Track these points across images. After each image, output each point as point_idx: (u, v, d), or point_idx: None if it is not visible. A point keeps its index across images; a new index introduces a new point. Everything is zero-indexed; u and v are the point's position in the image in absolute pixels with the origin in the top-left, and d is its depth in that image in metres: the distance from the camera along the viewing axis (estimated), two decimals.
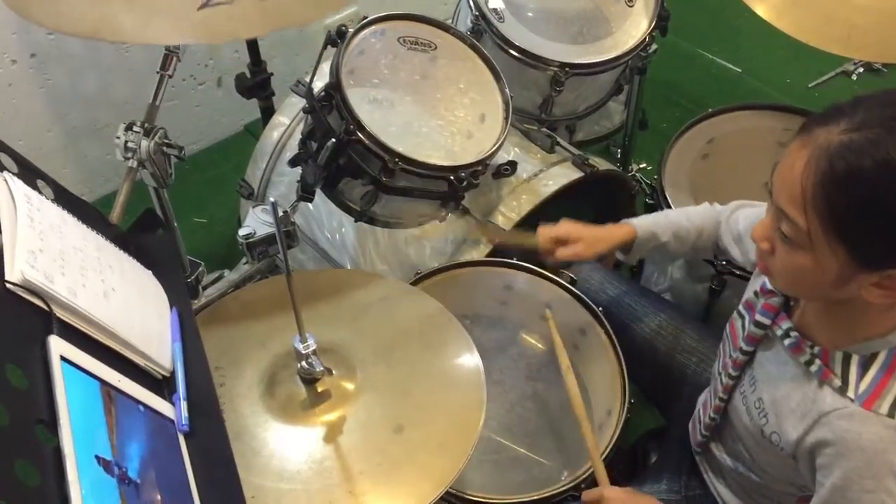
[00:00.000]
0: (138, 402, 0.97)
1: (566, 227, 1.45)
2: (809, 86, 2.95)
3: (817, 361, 1.04)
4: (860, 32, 1.58)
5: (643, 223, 1.44)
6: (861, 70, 2.97)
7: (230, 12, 1.18)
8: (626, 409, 1.40)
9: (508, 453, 1.46)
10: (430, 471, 1.07)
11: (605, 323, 1.50)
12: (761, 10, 1.61)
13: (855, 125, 0.89)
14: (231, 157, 2.60)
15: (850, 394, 1.00)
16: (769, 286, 1.15)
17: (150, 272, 1.17)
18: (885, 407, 0.99)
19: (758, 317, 1.15)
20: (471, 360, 1.21)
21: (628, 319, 1.56)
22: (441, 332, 1.26)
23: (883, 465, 0.98)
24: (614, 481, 1.29)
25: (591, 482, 1.32)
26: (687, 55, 3.02)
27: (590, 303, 1.52)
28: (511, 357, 1.58)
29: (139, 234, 1.23)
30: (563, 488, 1.31)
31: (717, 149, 1.85)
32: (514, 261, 1.60)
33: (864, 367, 1.01)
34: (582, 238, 1.44)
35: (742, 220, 1.36)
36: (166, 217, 1.34)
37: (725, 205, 1.43)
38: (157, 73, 1.29)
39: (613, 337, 1.48)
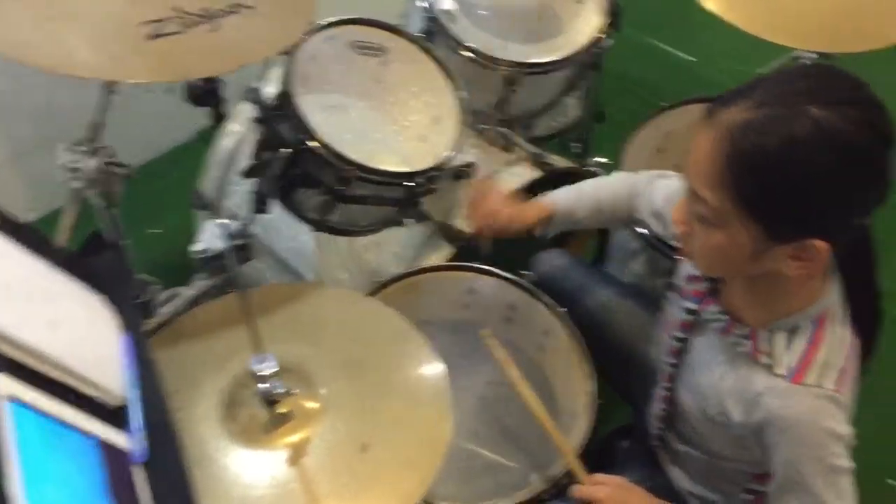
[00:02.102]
0: (92, 436, 0.94)
1: (496, 196, 1.48)
2: (762, 73, 2.97)
3: (746, 342, 1.07)
4: (808, 23, 1.60)
5: (561, 200, 1.46)
6: (814, 55, 2.99)
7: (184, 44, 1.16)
8: (595, 409, 1.39)
9: (476, 460, 1.45)
10: (398, 489, 1.05)
11: (570, 323, 1.49)
12: (710, 4, 1.62)
13: (755, 103, 0.91)
14: (185, 165, 2.53)
15: (779, 370, 1.04)
16: (694, 272, 1.17)
17: (99, 297, 1.14)
18: (812, 378, 1.02)
19: (687, 303, 1.17)
20: (435, 371, 1.19)
21: (593, 306, 1.56)
22: (404, 344, 1.24)
23: (822, 432, 1.01)
24: None
25: (563, 485, 1.31)
26: (640, 46, 3.02)
27: (553, 303, 1.51)
28: (475, 362, 1.56)
29: (87, 256, 1.19)
30: (534, 494, 1.31)
31: (672, 143, 1.85)
32: (476, 264, 1.58)
33: (790, 343, 1.05)
34: (505, 210, 1.46)
35: (658, 194, 1.37)
36: (116, 237, 1.29)
37: (639, 174, 1.45)
38: (102, 87, 1.25)
39: (580, 336, 1.47)
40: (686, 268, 1.22)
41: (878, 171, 0.93)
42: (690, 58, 3.03)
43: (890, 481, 1.86)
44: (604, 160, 2.44)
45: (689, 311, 1.17)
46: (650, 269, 1.70)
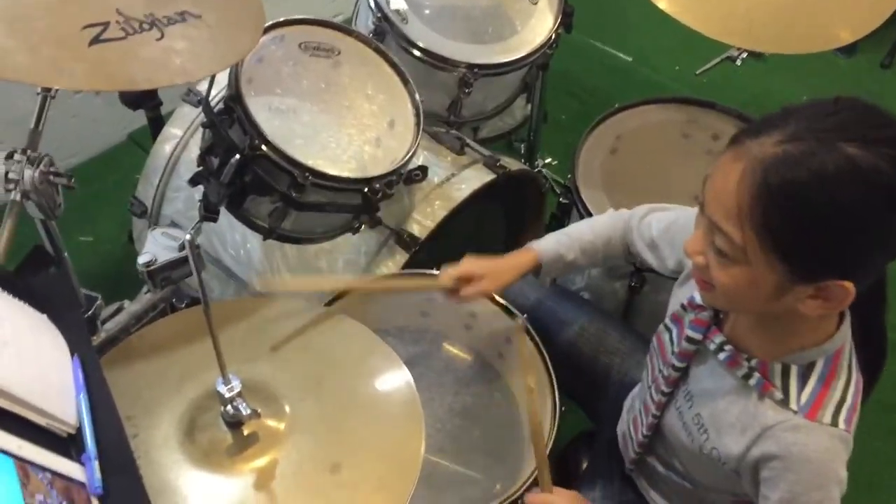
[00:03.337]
0: (43, 468, 0.87)
1: (469, 264, 1.38)
2: (697, 72, 3.01)
3: (756, 374, 1.04)
4: (760, 25, 1.61)
5: (547, 246, 1.40)
6: (745, 55, 3.05)
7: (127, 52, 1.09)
8: (557, 417, 1.37)
9: (441, 472, 1.41)
10: None
11: (531, 330, 1.46)
12: (663, 5, 1.61)
13: (788, 137, 0.88)
14: (116, 169, 2.44)
15: (793, 406, 1.00)
16: (698, 300, 1.13)
17: (44, 316, 1.06)
18: (827, 416, 0.99)
19: (689, 332, 1.13)
20: (404, 384, 1.15)
21: (550, 322, 1.52)
22: (369, 358, 1.20)
23: (829, 474, 0.99)
24: None
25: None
26: (579, 46, 3.03)
27: (514, 310, 1.49)
28: (437, 371, 1.53)
29: (29, 274, 1.11)
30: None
31: (624, 144, 1.84)
32: (434, 271, 1.55)
33: (804, 378, 1.01)
34: (486, 274, 1.37)
35: (655, 226, 1.34)
36: (57, 252, 1.21)
37: (632, 209, 1.41)
38: (38, 94, 1.16)
39: (540, 344, 1.45)
40: (684, 293, 1.18)
41: None
42: (627, 58, 3.05)
43: None
44: (549, 160, 2.45)
45: (691, 341, 1.12)
46: (607, 273, 1.69)
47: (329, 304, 1.47)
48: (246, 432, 1.05)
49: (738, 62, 3.04)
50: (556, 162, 2.45)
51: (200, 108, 1.73)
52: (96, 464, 0.92)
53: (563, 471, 1.54)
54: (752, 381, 1.04)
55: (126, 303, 1.42)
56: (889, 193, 0.86)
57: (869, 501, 1.87)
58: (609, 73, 2.98)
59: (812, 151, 0.86)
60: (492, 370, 1.57)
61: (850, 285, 0.90)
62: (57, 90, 1.17)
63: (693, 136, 1.86)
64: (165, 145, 1.80)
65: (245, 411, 1.01)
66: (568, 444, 1.57)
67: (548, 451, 1.32)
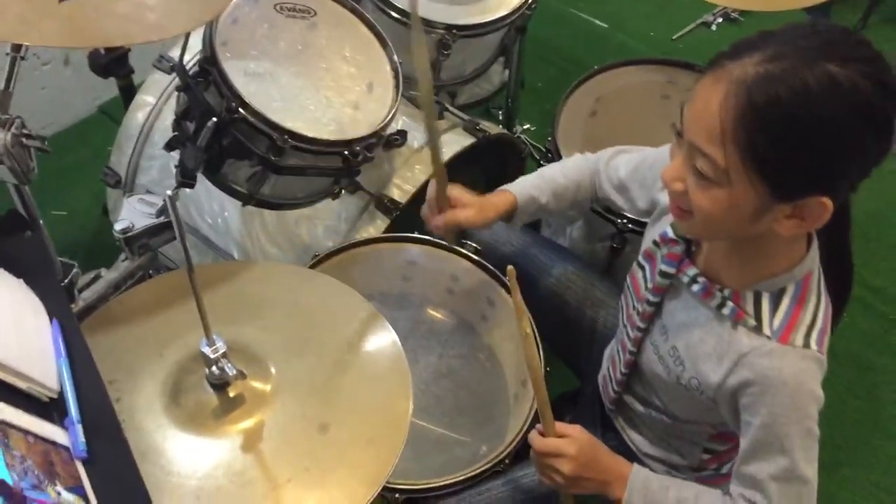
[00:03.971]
0: (26, 432, 0.86)
1: (459, 191, 1.38)
2: (673, 38, 3.01)
3: (729, 303, 1.06)
4: None
5: (522, 188, 1.40)
6: (720, 20, 3.06)
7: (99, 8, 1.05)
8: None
9: (427, 435, 1.41)
10: (362, 469, 0.99)
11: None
12: None
13: (769, 57, 0.89)
14: (87, 142, 2.39)
15: (766, 331, 1.03)
16: (670, 234, 1.15)
17: (20, 281, 1.04)
18: (799, 339, 1.02)
19: (662, 266, 1.15)
20: (389, 343, 1.14)
21: (535, 271, 1.52)
22: (354, 318, 1.18)
23: (805, 394, 1.02)
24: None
25: (513, 457, 1.29)
26: (555, 12, 3.02)
27: (496, 272, 1.48)
28: (421, 335, 1.53)
29: (3, 238, 1.09)
30: (487, 466, 1.28)
31: (604, 106, 1.84)
32: (415, 234, 1.54)
33: (775, 304, 1.04)
34: (473, 204, 1.36)
35: (623, 168, 1.35)
36: (31, 216, 1.18)
37: (598, 153, 1.41)
38: (8, 54, 1.13)
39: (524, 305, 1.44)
40: (656, 229, 1.19)
41: (886, 129, 0.91)
42: (603, 24, 3.04)
43: None
44: (527, 126, 2.44)
45: (665, 275, 1.14)
46: (588, 234, 1.69)
47: (312, 266, 1.46)
48: (232, 394, 1.03)
49: (714, 27, 3.06)
50: (533, 128, 2.44)
51: (173, 75, 1.69)
52: (80, 427, 0.90)
53: None
54: (726, 311, 1.06)
55: (103, 271, 1.39)
56: (866, 110, 0.88)
57: (848, 458, 1.90)
58: (585, 40, 2.97)
59: (794, 69, 0.87)
60: (475, 332, 1.56)
61: (828, 202, 0.92)
62: (26, 50, 1.14)
63: (673, 97, 1.86)
64: (138, 113, 1.76)
65: (231, 372, 1.00)
66: (555, 400, 1.57)
67: (533, 413, 1.32)
